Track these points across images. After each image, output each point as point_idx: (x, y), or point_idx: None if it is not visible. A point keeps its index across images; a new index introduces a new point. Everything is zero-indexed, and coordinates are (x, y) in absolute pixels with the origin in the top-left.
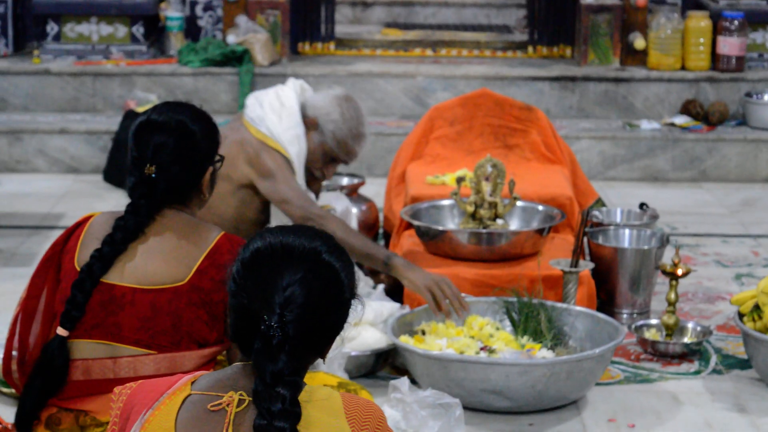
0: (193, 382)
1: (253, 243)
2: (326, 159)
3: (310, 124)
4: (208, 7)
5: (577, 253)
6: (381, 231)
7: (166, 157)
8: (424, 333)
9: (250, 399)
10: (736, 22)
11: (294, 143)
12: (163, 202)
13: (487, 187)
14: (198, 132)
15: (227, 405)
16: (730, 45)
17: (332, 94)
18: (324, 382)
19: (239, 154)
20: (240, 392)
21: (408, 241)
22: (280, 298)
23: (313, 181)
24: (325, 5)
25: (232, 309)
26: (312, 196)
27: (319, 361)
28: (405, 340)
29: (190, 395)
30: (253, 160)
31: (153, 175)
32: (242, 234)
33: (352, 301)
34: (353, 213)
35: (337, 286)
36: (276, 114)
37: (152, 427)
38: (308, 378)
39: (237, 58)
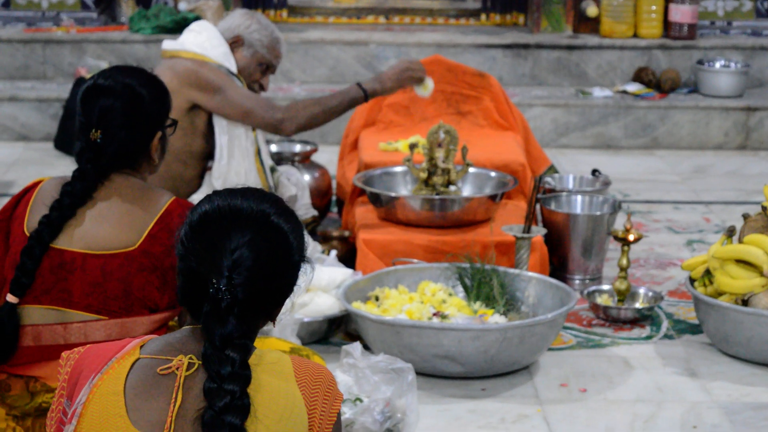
0: (142, 346)
1: (201, 206)
2: (262, 69)
3: (235, 43)
4: None
5: (530, 219)
6: (334, 198)
7: (112, 122)
8: (377, 299)
9: (200, 362)
10: None
11: (225, 58)
12: (110, 167)
13: (439, 154)
14: (146, 96)
15: (177, 368)
16: (682, 12)
17: (238, 12)
18: (276, 347)
19: (173, 80)
20: (189, 356)
21: (361, 208)
22: (228, 260)
23: None
24: None
25: (180, 272)
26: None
27: (271, 326)
28: (357, 306)
29: (139, 359)
30: (193, 78)
31: (98, 140)
32: (190, 169)
33: (302, 264)
34: (306, 184)
35: (285, 248)
36: (199, 42)
37: (101, 392)
38: (259, 343)
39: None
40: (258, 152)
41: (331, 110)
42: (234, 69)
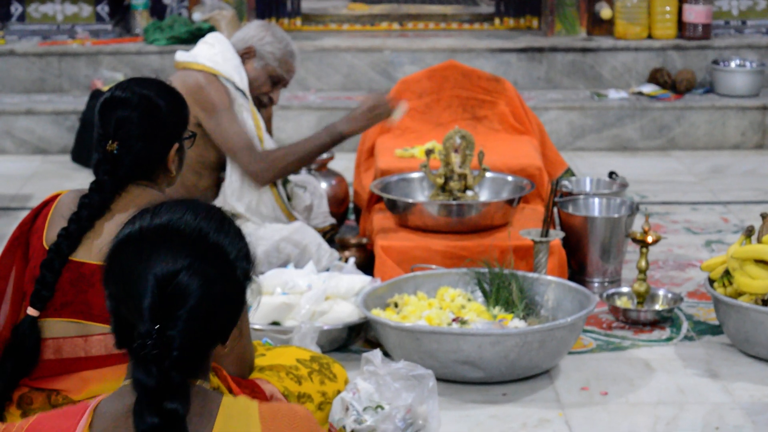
0: (90, 424)
1: (122, 230)
2: (272, 82)
3: (247, 54)
4: None
5: (548, 222)
6: (351, 205)
7: (129, 133)
8: (396, 306)
9: None
10: None
11: (236, 71)
12: (127, 179)
13: (456, 159)
14: (163, 107)
15: None
16: (696, 13)
17: (254, 23)
18: (296, 356)
19: (183, 92)
20: None
21: (378, 215)
22: (151, 299)
23: (262, 108)
24: None
25: (109, 311)
26: (252, 128)
27: (292, 336)
28: (377, 313)
29: None
30: (198, 94)
31: (115, 152)
32: (204, 179)
33: (248, 284)
34: (323, 190)
35: (229, 272)
36: (210, 52)
37: None
38: (280, 352)
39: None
40: None
41: (304, 157)
42: (245, 82)
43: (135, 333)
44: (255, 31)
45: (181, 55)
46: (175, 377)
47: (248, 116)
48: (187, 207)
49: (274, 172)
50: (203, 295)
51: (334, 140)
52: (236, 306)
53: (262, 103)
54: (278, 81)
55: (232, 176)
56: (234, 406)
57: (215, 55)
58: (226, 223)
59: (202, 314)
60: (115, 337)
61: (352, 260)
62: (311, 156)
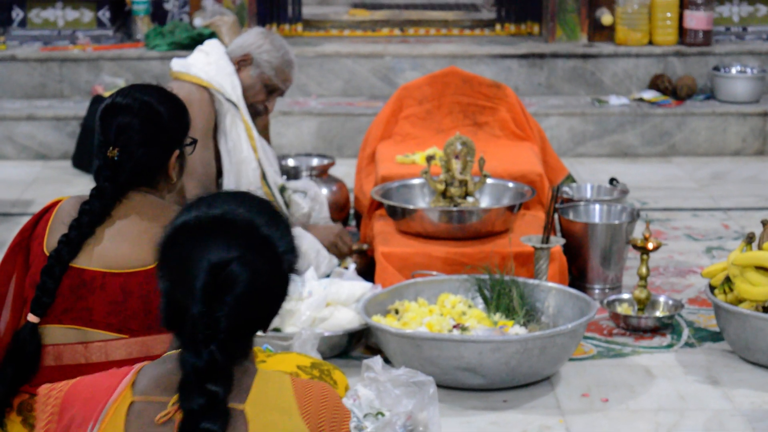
0: (133, 383)
1: (179, 217)
2: (267, 90)
3: (243, 61)
4: None
5: (548, 229)
6: (352, 211)
7: (129, 139)
8: (397, 312)
9: None
10: None
11: (228, 80)
12: (128, 185)
13: (457, 165)
14: (164, 113)
15: (175, 413)
16: (697, 19)
17: (254, 31)
18: (297, 362)
19: None
20: None
21: (379, 221)
22: (204, 282)
23: (257, 116)
24: None
25: (161, 292)
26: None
27: (293, 342)
28: (378, 320)
29: (133, 403)
30: None
31: (116, 158)
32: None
33: (292, 275)
34: (324, 196)
35: (276, 264)
36: (204, 62)
37: None
38: (281, 358)
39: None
40: (263, 176)
41: None
42: (237, 91)
43: (186, 315)
44: (254, 38)
45: (176, 64)
46: (221, 359)
47: (241, 126)
48: (241, 200)
49: None
50: (251, 285)
51: None
52: (280, 297)
53: (258, 110)
54: (273, 90)
55: (228, 184)
56: (268, 379)
57: (209, 64)
58: (276, 218)
59: (248, 302)
60: (163, 318)
61: (352, 266)
62: None
